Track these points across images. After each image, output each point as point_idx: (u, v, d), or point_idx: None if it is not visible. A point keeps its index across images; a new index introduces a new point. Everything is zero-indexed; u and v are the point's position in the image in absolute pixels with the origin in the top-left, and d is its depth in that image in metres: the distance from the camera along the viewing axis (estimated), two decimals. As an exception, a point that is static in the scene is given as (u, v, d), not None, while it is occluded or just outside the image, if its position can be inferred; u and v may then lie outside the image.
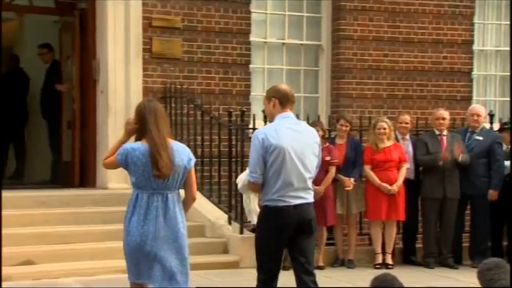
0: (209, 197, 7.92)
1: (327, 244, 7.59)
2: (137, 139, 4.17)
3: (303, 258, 4.44)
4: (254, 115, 7.89)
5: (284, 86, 4.67)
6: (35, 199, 7.37)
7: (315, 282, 4.47)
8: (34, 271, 6.31)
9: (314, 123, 7.64)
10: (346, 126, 7.71)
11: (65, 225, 7.12)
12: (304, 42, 9.44)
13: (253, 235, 7.43)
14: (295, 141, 4.36)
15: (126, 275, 5.20)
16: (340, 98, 9.33)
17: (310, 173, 4.41)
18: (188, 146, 7.98)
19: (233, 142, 7.62)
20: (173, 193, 4.11)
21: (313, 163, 4.43)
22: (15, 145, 9.64)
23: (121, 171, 8.20)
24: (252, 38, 9.01)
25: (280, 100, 4.45)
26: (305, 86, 9.50)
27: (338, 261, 7.64)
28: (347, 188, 7.47)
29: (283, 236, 4.36)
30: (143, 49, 8.36)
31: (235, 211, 7.50)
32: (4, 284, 6.04)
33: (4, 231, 6.79)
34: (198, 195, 7.77)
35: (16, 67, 9.81)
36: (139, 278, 4.18)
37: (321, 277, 6.98)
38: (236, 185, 7.13)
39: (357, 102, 9.28)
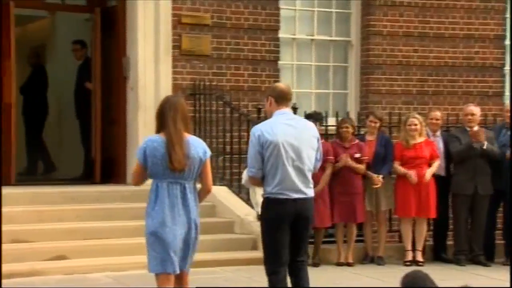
0: (238, 194, 7.93)
1: (356, 241, 7.55)
2: (157, 132, 4.34)
3: (297, 251, 4.63)
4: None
5: (281, 84, 4.87)
6: (66, 195, 7.45)
7: (303, 264, 4.69)
8: (66, 266, 6.39)
9: (343, 120, 7.62)
10: (376, 123, 7.66)
11: (95, 220, 7.18)
12: (333, 38, 9.40)
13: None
14: (291, 136, 4.51)
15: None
16: (369, 94, 9.27)
17: (308, 166, 4.55)
18: (217, 142, 8.16)
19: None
20: (190, 183, 4.30)
21: (311, 157, 4.56)
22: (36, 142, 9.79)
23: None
24: (281, 34, 9.00)
25: (275, 98, 4.62)
26: (334, 82, 9.46)
27: (368, 258, 7.60)
28: (375, 186, 7.42)
29: (283, 226, 4.51)
30: (173, 46, 8.40)
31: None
32: (36, 278, 6.14)
33: (36, 227, 6.92)
34: (227, 192, 7.92)
35: (38, 64, 9.94)
36: (164, 269, 4.28)
37: (350, 274, 6.99)
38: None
39: (386, 99, 9.21)
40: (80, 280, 6.07)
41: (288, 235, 4.55)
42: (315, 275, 6.74)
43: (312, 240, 7.38)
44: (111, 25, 8.68)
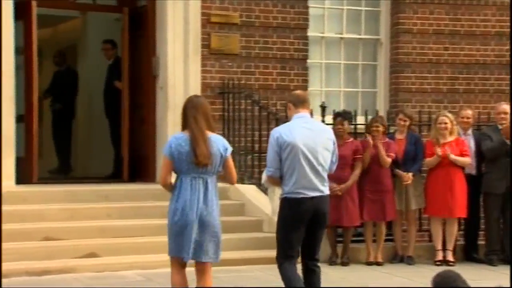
0: (266, 192, 7.93)
1: (385, 240, 7.51)
2: (182, 130, 4.62)
3: (311, 249, 4.85)
4: (311, 111, 7.82)
5: (298, 91, 5.36)
6: (98, 193, 7.53)
7: (317, 266, 4.90)
8: (97, 263, 6.45)
9: (374, 119, 7.57)
10: (405, 121, 7.61)
11: (126, 219, 7.25)
12: (363, 36, 9.35)
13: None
14: (308, 138, 4.77)
15: (188, 269, 5.42)
16: (399, 92, 9.21)
17: (323, 167, 4.80)
18: (246, 141, 8.17)
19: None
20: (211, 178, 4.58)
21: (326, 158, 4.83)
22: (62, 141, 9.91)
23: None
24: (310, 33, 8.98)
25: (293, 103, 4.95)
26: (363, 81, 9.41)
27: (397, 258, 7.55)
28: (405, 182, 7.36)
29: (300, 225, 4.75)
30: (202, 45, 8.44)
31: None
32: (68, 275, 6.22)
33: (69, 224, 7.00)
34: (256, 190, 7.94)
35: (64, 64, 10.06)
36: (179, 254, 4.58)
37: (379, 273, 6.96)
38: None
39: (416, 97, 9.14)
40: (110, 278, 6.12)
41: (302, 233, 4.77)
42: (344, 274, 6.74)
43: (341, 239, 7.36)
44: (141, 24, 8.75)
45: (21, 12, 7.92)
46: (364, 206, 7.31)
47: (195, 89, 8.37)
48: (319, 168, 4.76)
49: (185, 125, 4.57)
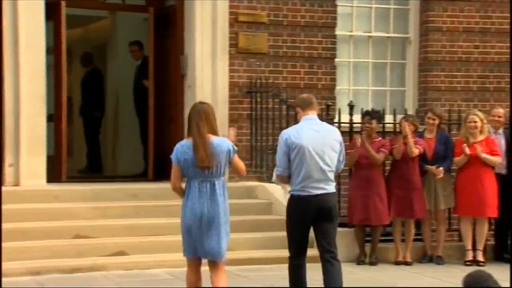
0: (294, 191, 7.92)
1: (414, 240, 7.45)
2: (187, 137, 4.85)
3: (325, 240, 5.07)
4: (339, 109, 7.84)
5: (304, 94, 5.57)
6: (127, 192, 7.59)
7: (334, 258, 5.08)
8: (126, 261, 6.51)
9: (405, 118, 7.51)
10: (434, 120, 7.55)
11: (154, 217, 7.29)
12: (391, 34, 9.29)
13: (339, 229, 7.44)
14: (315, 139, 5.02)
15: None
16: (428, 91, 9.13)
17: (329, 167, 5.04)
18: (273, 140, 8.16)
19: (319, 136, 7.58)
20: (219, 179, 4.78)
21: (333, 158, 5.06)
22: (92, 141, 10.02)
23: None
24: (338, 31, 8.95)
25: (300, 106, 5.20)
26: (391, 79, 9.36)
27: (426, 258, 7.49)
28: (437, 176, 7.29)
29: (305, 220, 5.02)
30: (230, 44, 8.46)
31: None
32: (98, 273, 6.28)
33: (98, 222, 7.08)
34: (281, 189, 7.91)
35: (90, 65, 10.15)
36: (191, 254, 4.83)
37: (408, 273, 6.91)
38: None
39: (446, 96, 9.06)
40: (139, 276, 6.17)
41: (308, 228, 5.05)
42: (373, 274, 6.71)
43: (369, 238, 7.32)
44: (169, 24, 8.80)
45: (51, 12, 8.02)
46: (391, 203, 7.27)
47: (223, 88, 8.40)
48: (325, 167, 4.99)
49: (189, 132, 4.80)
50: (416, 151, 7.22)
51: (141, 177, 8.93)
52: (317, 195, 4.97)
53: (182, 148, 4.79)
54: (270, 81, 8.44)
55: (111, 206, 7.29)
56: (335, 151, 5.07)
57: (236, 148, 4.85)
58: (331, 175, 5.04)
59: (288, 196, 5.16)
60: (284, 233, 7.38)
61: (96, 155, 10.03)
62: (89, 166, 9.93)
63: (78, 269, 6.33)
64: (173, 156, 4.83)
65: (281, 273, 6.49)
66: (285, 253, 7.02)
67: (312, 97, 5.37)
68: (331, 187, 5.04)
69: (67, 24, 8.56)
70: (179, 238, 6.94)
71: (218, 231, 4.76)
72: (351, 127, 7.64)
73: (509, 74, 9.15)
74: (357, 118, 7.60)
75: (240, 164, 4.91)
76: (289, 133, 5.06)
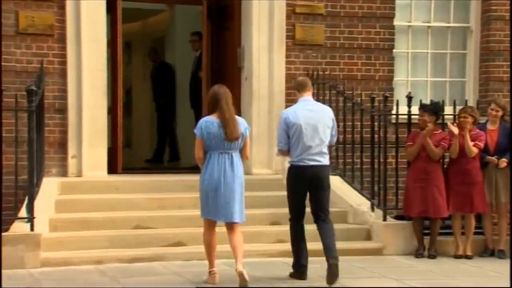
0: (351, 184, 7.89)
1: (475, 233, 7.32)
2: (209, 114, 5.61)
3: (318, 207, 5.90)
4: (397, 101, 7.75)
5: (300, 77, 6.35)
6: (185, 183, 7.69)
7: (326, 219, 5.90)
8: (184, 252, 6.61)
9: (463, 109, 7.37)
10: (497, 111, 7.38)
11: (212, 208, 7.36)
12: (451, 24, 9.12)
13: (397, 222, 7.38)
14: (310, 118, 5.82)
15: (273, 259, 6.42)
16: (489, 82, 8.93)
17: (323, 141, 5.85)
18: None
19: (376, 128, 7.53)
20: (236, 152, 5.64)
21: (326, 134, 5.86)
22: (168, 135, 10.24)
23: (265, 158, 8.40)
24: (396, 22, 8.83)
25: (297, 89, 5.99)
26: (451, 70, 9.19)
27: (488, 251, 7.35)
28: (500, 167, 7.13)
29: (302, 187, 5.83)
30: (286, 36, 8.46)
31: (378, 198, 7.42)
32: (157, 263, 6.41)
33: (158, 213, 7.21)
34: (340, 181, 7.91)
35: (158, 60, 10.31)
36: (209, 216, 5.64)
37: (469, 267, 6.79)
38: (379, 171, 7.18)
39: (508, 86, 8.83)
40: (198, 266, 6.24)
41: (305, 193, 5.84)
42: (431, 267, 6.63)
43: (428, 231, 7.23)
44: (226, 16, 8.85)
45: (109, 6, 8.17)
46: (450, 197, 7.16)
47: (280, 79, 8.41)
48: (319, 142, 5.81)
49: (212, 110, 5.59)
50: (475, 150, 7.08)
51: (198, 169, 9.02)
52: (312, 166, 5.78)
53: (206, 123, 5.58)
54: (327, 72, 8.41)
55: (169, 197, 7.42)
56: (328, 127, 5.89)
57: (249, 129, 5.73)
58: (325, 149, 5.87)
59: (288, 166, 5.93)
60: (342, 226, 7.36)
61: (164, 147, 10.25)
62: (156, 158, 10.15)
63: (138, 259, 6.47)
64: (197, 131, 5.59)
65: (321, 266, 6.50)
66: (342, 245, 7.00)
67: (308, 80, 6.11)
68: (325, 160, 5.86)
69: (127, 18, 8.71)
70: (236, 229, 7.06)
71: (234, 196, 5.53)
72: (409, 119, 7.54)
73: None
74: (415, 110, 7.50)
75: (248, 147, 5.74)
76: (288, 113, 5.86)
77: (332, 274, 5.65)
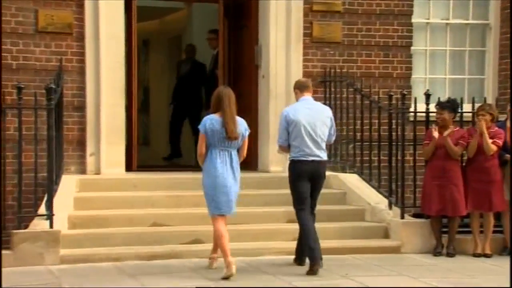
0: (368, 182, 7.87)
1: (494, 232, 7.26)
2: (213, 112, 5.94)
3: (313, 199, 6.29)
4: (415, 98, 7.71)
5: (302, 78, 6.90)
6: (201, 181, 7.67)
7: (313, 212, 6.33)
8: (202, 249, 6.61)
9: (481, 106, 7.31)
10: (516, 109, 7.31)
11: (229, 206, 7.38)
12: (470, 21, 9.05)
13: (415, 220, 7.35)
14: (309, 116, 6.17)
15: (291, 256, 6.35)
16: (508, 79, 8.85)
17: (321, 138, 6.20)
18: (347, 130, 8.13)
19: (393, 126, 7.50)
20: (234, 151, 6.01)
21: (324, 132, 6.22)
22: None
23: (283, 157, 8.40)
24: (414, 19, 8.79)
25: (299, 89, 6.33)
26: (470, 67, 9.13)
27: (507, 250, 7.29)
28: None
29: (303, 180, 6.17)
30: (304, 34, 8.45)
31: (396, 196, 7.40)
32: (175, 261, 6.43)
33: (175, 211, 7.24)
34: (358, 179, 7.90)
35: (192, 56, 10.30)
36: (218, 211, 5.92)
37: (489, 265, 6.74)
38: (396, 169, 7.14)
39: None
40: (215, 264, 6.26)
41: (308, 188, 6.18)
42: (450, 266, 6.59)
43: (446, 229, 7.19)
44: (243, 14, 8.86)
45: (126, 4, 8.21)
46: (469, 195, 7.12)
47: (297, 77, 8.33)
48: (318, 139, 6.17)
49: (217, 109, 5.92)
50: (493, 148, 7.03)
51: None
52: (312, 161, 6.16)
53: (211, 121, 5.91)
54: (344, 70, 8.39)
55: (187, 195, 7.43)
56: (327, 126, 6.24)
57: (249, 131, 6.07)
58: (323, 145, 6.22)
59: (288, 161, 6.31)
60: (359, 224, 7.41)
61: (178, 145, 10.26)
62: (173, 156, 10.17)
63: (156, 256, 6.50)
64: (201, 127, 5.92)
65: (355, 263, 6.49)
66: (359, 243, 7.03)
67: (309, 81, 6.50)
68: (323, 155, 6.23)
69: (144, 16, 8.74)
70: (253, 227, 7.08)
71: (231, 191, 5.91)
72: (427, 117, 7.50)
73: None
74: (433, 107, 7.45)
75: (246, 146, 6.08)
76: (288, 111, 6.23)
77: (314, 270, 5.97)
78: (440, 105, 7.25)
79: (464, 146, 7.11)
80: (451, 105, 7.23)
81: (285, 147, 6.24)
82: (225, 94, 5.95)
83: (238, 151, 6.02)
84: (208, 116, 5.97)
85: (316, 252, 6.00)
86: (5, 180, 6.50)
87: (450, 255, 7.07)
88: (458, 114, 7.41)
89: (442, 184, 7.01)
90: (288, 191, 7.36)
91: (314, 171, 6.15)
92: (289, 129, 6.14)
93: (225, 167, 5.88)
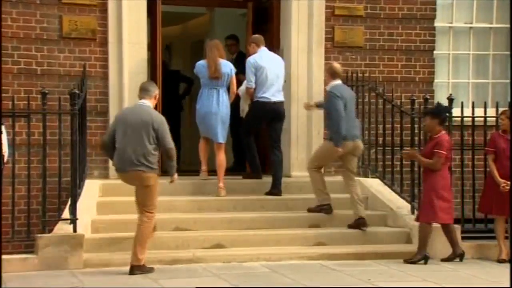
0: (391, 186, 7.83)
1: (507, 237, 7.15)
2: (204, 58, 7.62)
3: (276, 135, 7.74)
4: (438, 103, 7.65)
5: (256, 35, 8.07)
6: (226, 186, 7.70)
7: (278, 148, 7.74)
8: (224, 254, 6.63)
9: (504, 112, 7.23)
10: (541, 113, 7.22)
11: (251, 211, 7.40)
12: (494, 25, 8.98)
13: (437, 225, 7.24)
14: (271, 63, 7.71)
15: (313, 262, 6.44)
16: (532, 83, 8.77)
17: (283, 81, 7.80)
18: (369, 134, 8.09)
19: (416, 131, 7.46)
20: (222, 88, 7.58)
21: (283, 76, 7.83)
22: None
23: (304, 161, 8.36)
24: (437, 23, 8.75)
25: (256, 43, 7.82)
26: (494, 71, 9.05)
27: (531, 256, 7.20)
28: None
29: (262, 118, 7.68)
30: (326, 38, 8.45)
31: (418, 201, 7.35)
32: (197, 265, 6.45)
33: (198, 216, 7.26)
34: (380, 184, 7.87)
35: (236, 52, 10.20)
36: (205, 134, 7.65)
37: (506, 269, 6.64)
38: (419, 173, 7.03)
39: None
40: (237, 268, 6.27)
41: (261, 125, 7.76)
42: (473, 272, 6.51)
43: (467, 235, 7.08)
44: (266, 19, 8.87)
45: (149, 10, 8.25)
46: (493, 201, 7.04)
47: (319, 82, 8.40)
48: (280, 81, 7.71)
49: (205, 56, 7.60)
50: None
51: (235, 171, 8.98)
52: (275, 102, 7.62)
53: (199, 65, 7.60)
54: (366, 74, 8.36)
55: (209, 199, 7.46)
56: (283, 74, 7.78)
57: (235, 70, 7.61)
58: (281, 88, 7.74)
59: (246, 108, 7.70)
60: (381, 229, 7.37)
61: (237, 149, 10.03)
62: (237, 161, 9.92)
63: (178, 260, 6.52)
64: (196, 70, 7.60)
65: (378, 268, 6.45)
66: (382, 248, 6.99)
67: (261, 37, 7.88)
68: (282, 97, 7.74)
69: (167, 21, 8.76)
70: (275, 232, 7.08)
71: (221, 122, 7.46)
72: (450, 121, 7.45)
73: None
74: (456, 112, 7.40)
75: (235, 85, 7.64)
76: (256, 58, 7.65)
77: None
78: (426, 111, 7.09)
79: (441, 155, 6.67)
80: (433, 111, 6.88)
81: (252, 90, 7.60)
82: (207, 45, 7.73)
83: (230, 85, 7.54)
84: (199, 62, 7.65)
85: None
86: (30, 185, 6.56)
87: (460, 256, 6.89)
88: (436, 121, 6.82)
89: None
90: (310, 195, 7.34)
91: (276, 111, 7.60)
92: (257, 73, 7.56)
93: (211, 101, 7.45)
